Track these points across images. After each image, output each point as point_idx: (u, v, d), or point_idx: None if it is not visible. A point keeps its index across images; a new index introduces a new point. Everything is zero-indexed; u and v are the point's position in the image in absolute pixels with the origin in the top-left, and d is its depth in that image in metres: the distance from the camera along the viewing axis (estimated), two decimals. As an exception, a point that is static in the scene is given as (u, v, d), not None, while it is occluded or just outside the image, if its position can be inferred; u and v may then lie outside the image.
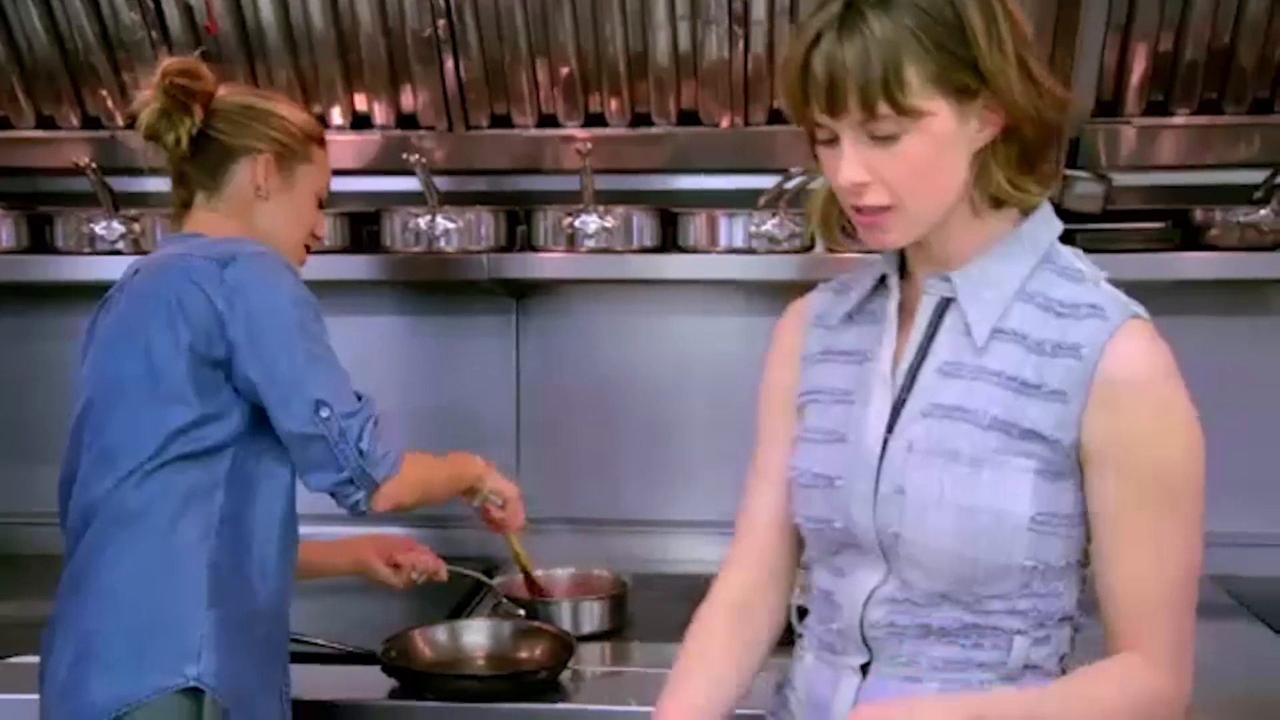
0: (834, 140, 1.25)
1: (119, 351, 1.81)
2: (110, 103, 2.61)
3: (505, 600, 2.27)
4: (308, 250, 2.01)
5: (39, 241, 2.62)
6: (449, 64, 2.50)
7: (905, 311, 1.36)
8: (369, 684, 1.98)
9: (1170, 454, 1.26)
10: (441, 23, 2.45)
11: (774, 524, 1.45)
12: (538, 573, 2.34)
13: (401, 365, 2.78)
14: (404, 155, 2.40)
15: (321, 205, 2.01)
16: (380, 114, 2.60)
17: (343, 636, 2.11)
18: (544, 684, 1.97)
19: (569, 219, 2.47)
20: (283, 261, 1.84)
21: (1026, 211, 1.33)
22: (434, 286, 2.71)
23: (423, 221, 2.49)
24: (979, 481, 1.26)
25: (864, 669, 1.35)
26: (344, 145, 2.58)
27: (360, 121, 2.62)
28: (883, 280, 1.39)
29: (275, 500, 1.82)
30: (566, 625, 2.17)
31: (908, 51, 1.19)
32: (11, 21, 2.54)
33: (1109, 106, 2.47)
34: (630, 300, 2.72)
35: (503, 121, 2.60)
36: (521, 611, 2.23)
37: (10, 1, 2.51)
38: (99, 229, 2.54)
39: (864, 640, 1.34)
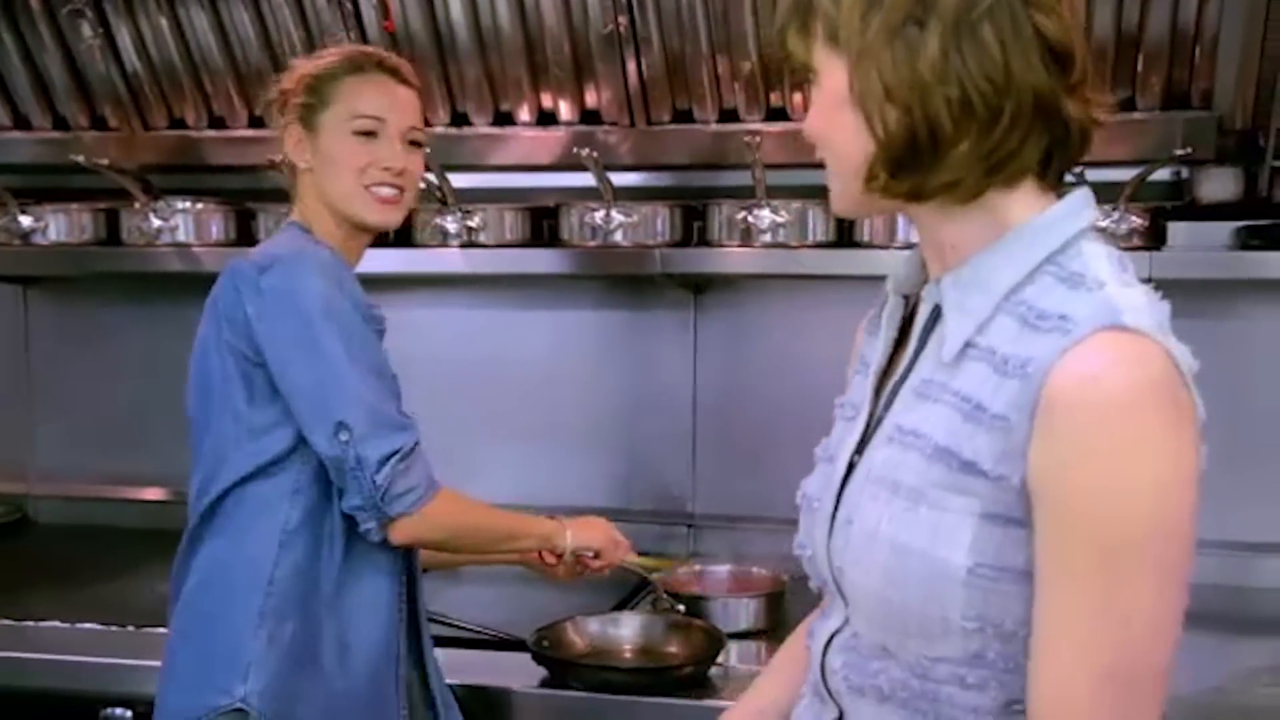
0: None
1: (196, 360, 1.80)
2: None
3: (665, 595, 2.25)
4: (388, 188, 1.81)
5: (245, 235, 2.75)
6: (631, 61, 2.51)
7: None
8: (520, 671, 2.00)
9: (1114, 509, 0.97)
10: (623, 20, 2.46)
11: None
12: (662, 575, 2.29)
13: (584, 357, 2.81)
14: (574, 149, 2.42)
15: (371, 134, 1.80)
16: (565, 111, 2.63)
17: (506, 624, 2.15)
18: (691, 679, 1.96)
19: (743, 214, 2.45)
20: (320, 267, 1.72)
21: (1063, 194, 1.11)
22: (616, 281, 2.72)
23: (598, 216, 2.51)
24: (915, 519, 1.07)
25: None
26: (531, 141, 2.66)
27: (546, 118, 2.65)
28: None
29: (345, 517, 1.74)
30: (722, 622, 2.14)
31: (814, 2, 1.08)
32: (226, 27, 2.68)
33: None
34: (805, 296, 2.66)
35: (684, 117, 2.59)
36: (681, 607, 2.21)
37: (225, 7, 2.65)
38: (295, 223, 2.64)
39: (829, 693, 1.19)
